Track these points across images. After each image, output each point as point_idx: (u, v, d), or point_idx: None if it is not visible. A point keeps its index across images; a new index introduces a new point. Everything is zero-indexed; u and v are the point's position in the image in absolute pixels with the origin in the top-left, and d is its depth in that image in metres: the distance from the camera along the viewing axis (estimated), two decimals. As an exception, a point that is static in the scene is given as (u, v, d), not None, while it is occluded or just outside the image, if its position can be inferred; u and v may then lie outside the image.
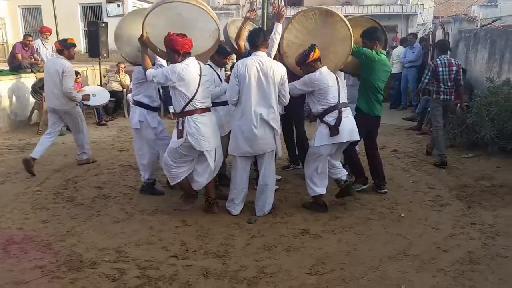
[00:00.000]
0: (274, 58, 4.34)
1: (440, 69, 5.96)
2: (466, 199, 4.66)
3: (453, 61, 6.06)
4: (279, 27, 4.38)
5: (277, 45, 4.39)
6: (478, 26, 9.52)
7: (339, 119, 4.15)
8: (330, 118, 4.18)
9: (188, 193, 4.28)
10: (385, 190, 4.86)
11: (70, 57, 5.74)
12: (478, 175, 5.45)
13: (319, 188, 4.31)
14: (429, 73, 6.05)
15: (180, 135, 3.95)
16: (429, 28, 11.74)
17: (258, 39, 4.06)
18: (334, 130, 4.13)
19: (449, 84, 5.97)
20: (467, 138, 6.44)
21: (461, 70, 6.14)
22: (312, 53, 4.10)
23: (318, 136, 4.22)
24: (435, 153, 6.24)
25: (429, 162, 6.03)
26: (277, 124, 4.13)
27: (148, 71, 4.05)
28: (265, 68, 3.98)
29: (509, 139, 5.99)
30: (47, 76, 5.76)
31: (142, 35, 4.05)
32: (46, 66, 5.88)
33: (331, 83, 4.19)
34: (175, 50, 3.88)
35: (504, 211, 4.32)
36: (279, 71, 4.05)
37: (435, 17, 13.40)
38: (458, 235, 3.84)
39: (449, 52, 9.75)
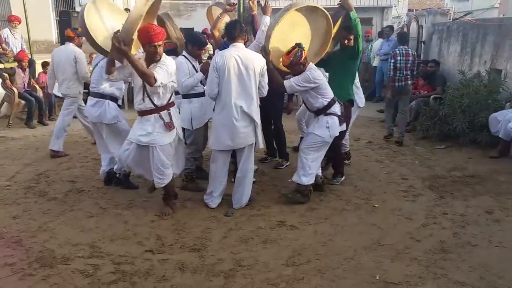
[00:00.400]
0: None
1: (398, 58, 6.49)
2: (439, 190, 4.77)
3: (410, 52, 6.60)
4: (267, 19, 4.52)
5: (265, 36, 4.32)
6: (451, 20, 9.69)
7: (342, 109, 4.38)
8: (336, 109, 4.33)
9: (172, 193, 4.17)
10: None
11: (79, 45, 6.00)
12: (450, 166, 5.59)
13: (310, 178, 4.34)
14: (392, 61, 6.54)
15: (170, 127, 3.82)
16: (404, 21, 11.89)
17: (235, 31, 4.01)
18: (342, 119, 4.34)
19: (404, 72, 6.50)
20: (440, 130, 6.59)
21: (416, 61, 6.71)
22: (303, 54, 4.13)
23: (332, 127, 4.27)
24: (406, 143, 6.45)
25: (402, 153, 6.15)
26: (257, 117, 4.11)
27: (158, 78, 3.56)
28: (244, 60, 3.93)
29: (480, 130, 6.17)
30: (56, 64, 5.93)
31: (123, 43, 3.49)
32: (55, 54, 6.03)
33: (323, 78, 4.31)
34: (162, 41, 3.67)
35: (474, 201, 4.45)
36: (259, 62, 4.02)
37: (409, 10, 13.57)
38: (431, 224, 3.93)
39: (423, 45, 9.95)
